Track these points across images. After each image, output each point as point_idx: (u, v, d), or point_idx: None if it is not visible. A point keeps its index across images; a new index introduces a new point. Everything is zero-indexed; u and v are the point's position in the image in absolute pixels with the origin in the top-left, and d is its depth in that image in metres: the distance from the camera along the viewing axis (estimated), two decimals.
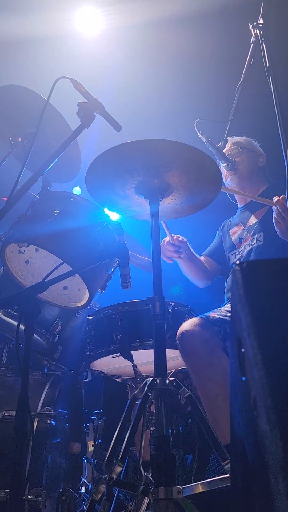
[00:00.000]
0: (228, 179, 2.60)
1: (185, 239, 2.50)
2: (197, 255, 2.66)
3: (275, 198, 2.00)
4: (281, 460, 0.48)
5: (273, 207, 2.01)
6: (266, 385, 0.55)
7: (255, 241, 2.38)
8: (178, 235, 2.48)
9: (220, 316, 2.02)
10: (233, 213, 2.78)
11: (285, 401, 0.54)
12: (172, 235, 2.43)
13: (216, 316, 2.03)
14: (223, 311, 2.10)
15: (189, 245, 2.54)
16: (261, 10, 1.93)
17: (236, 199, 2.73)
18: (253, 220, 2.49)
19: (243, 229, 2.53)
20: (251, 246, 2.39)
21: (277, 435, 0.50)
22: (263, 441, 0.54)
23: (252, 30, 1.95)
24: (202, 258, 2.70)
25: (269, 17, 1.93)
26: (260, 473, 0.59)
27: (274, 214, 2.02)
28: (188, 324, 1.97)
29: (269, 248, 2.29)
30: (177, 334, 1.97)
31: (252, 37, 1.97)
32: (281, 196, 1.98)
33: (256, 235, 2.39)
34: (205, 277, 2.68)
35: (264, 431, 0.53)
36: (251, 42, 1.99)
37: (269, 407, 0.53)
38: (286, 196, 1.62)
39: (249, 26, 1.95)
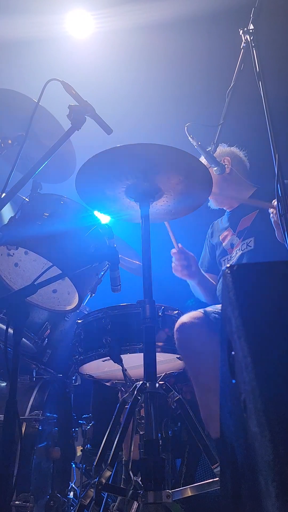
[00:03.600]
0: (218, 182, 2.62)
1: (193, 255, 2.50)
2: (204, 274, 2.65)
3: (274, 202, 1.99)
4: (270, 462, 0.48)
5: (271, 210, 2.00)
6: (256, 387, 0.55)
7: (245, 246, 2.39)
8: (187, 251, 2.48)
9: (217, 310, 2.04)
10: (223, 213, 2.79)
11: (275, 403, 0.54)
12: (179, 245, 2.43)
13: (213, 310, 2.05)
14: (218, 307, 2.11)
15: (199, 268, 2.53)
16: (251, 16, 1.94)
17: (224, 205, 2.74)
18: (243, 224, 2.50)
19: (233, 234, 2.54)
20: (241, 252, 2.40)
21: (267, 437, 0.50)
22: (253, 443, 0.54)
23: (242, 35, 1.96)
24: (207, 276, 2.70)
25: (259, 23, 1.94)
26: (250, 476, 0.59)
27: (273, 218, 2.00)
28: (187, 317, 2.00)
29: (259, 253, 2.30)
30: (176, 325, 1.99)
31: (243, 43, 1.98)
32: None
33: (246, 241, 2.40)
34: (216, 293, 2.65)
35: (253, 433, 0.53)
36: (241, 47, 2.00)
37: (258, 409, 0.53)
38: (276, 198, 1.62)
39: (239, 32, 1.96)
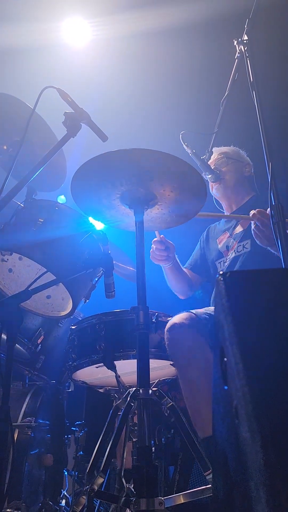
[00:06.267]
0: (213, 189, 2.65)
1: (173, 244, 2.52)
2: (182, 267, 2.69)
3: (251, 212, 2.04)
4: (261, 467, 0.48)
5: (252, 222, 2.05)
6: (248, 393, 0.56)
7: (241, 248, 2.41)
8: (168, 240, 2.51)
9: (208, 312, 2.05)
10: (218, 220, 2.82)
11: (266, 409, 0.55)
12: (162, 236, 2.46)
13: (204, 312, 2.07)
14: (210, 309, 2.12)
15: (176, 256, 2.56)
16: (245, 27, 1.97)
17: (223, 207, 2.76)
18: (239, 228, 2.52)
19: (229, 237, 2.56)
20: (237, 254, 2.42)
21: (258, 443, 0.51)
22: (244, 448, 0.54)
23: (236, 46, 1.99)
24: (185, 270, 2.73)
25: (253, 34, 1.97)
26: (241, 481, 0.59)
27: (252, 227, 2.05)
28: (178, 317, 2.01)
29: (255, 255, 2.32)
30: (167, 326, 2.00)
31: (237, 53, 2.01)
32: (256, 210, 2.02)
33: (242, 243, 2.42)
34: (188, 288, 2.72)
35: (245, 439, 0.54)
36: (235, 57, 2.03)
37: (250, 415, 0.54)
38: (270, 207, 1.64)
39: (234, 42, 1.99)
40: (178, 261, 2.63)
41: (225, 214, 2.67)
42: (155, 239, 2.46)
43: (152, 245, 2.47)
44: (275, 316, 0.67)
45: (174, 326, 1.97)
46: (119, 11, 3.44)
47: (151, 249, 2.48)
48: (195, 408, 1.84)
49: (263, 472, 0.48)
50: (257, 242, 2.07)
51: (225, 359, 0.70)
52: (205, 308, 2.17)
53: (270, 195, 1.61)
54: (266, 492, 0.46)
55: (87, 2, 3.46)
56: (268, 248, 2.06)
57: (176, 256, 2.58)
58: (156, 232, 2.35)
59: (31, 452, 2.05)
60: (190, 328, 1.95)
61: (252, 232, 2.06)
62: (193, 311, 2.08)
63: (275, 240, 1.57)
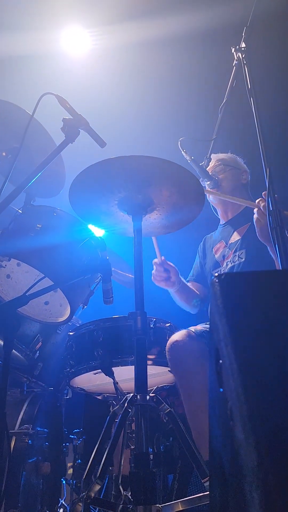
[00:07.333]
0: (211, 195, 2.65)
1: (175, 267, 2.51)
2: (187, 283, 2.66)
3: (258, 200, 2.02)
4: (255, 468, 0.48)
5: (255, 210, 2.02)
6: (242, 394, 0.55)
7: (236, 258, 2.41)
8: (170, 262, 2.50)
9: (206, 328, 2.05)
10: (215, 229, 2.81)
11: (260, 409, 0.54)
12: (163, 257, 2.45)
13: (203, 328, 2.06)
14: (208, 326, 2.11)
15: (181, 277, 2.55)
16: (243, 34, 1.99)
17: (219, 215, 2.76)
18: (235, 237, 2.52)
19: (225, 246, 2.56)
20: (232, 264, 2.42)
21: (252, 444, 0.50)
22: (239, 450, 0.54)
23: (234, 53, 2.01)
24: (189, 284, 2.71)
25: (250, 42, 1.99)
26: (237, 484, 0.58)
27: (255, 214, 2.02)
28: (178, 335, 2.01)
29: (250, 265, 2.32)
30: (167, 345, 1.99)
31: (235, 60, 2.03)
32: (264, 194, 1.98)
33: (237, 253, 2.42)
34: (200, 303, 2.69)
35: (239, 441, 0.53)
36: (233, 65, 2.05)
37: (244, 416, 0.53)
38: (267, 214, 1.64)
39: (231, 50, 2.01)
40: (185, 281, 2.62)
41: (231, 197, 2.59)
42: (155, 260, 2.46)
43: (154, 267, 2.47)
44: (270, 318, 0.67)
45: (174, 345, 1.97)
46: (118, 20, 3.47)
47: (152, 271, 2.48)
48: (198, 429, 1.80)
49: (256, 473, 0.48)
50: (257, 230, 2.01)
51: (220, 361, 0.69)
52: (202, 324, 2.17)
53: (268, 201, 1.62)
54: (259, 493, 0.46)
55: (87, 12, 3.49)
56: (268, 252, 2.05)
57: (181, 277, 2.57)
58: (153, 239, 2.34)
59: (29, 460, 2.03)
60: (190, 346, 1.95)
61: (254, 218, 2.02)
62: (192, 328, 2.09)
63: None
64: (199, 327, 2.10)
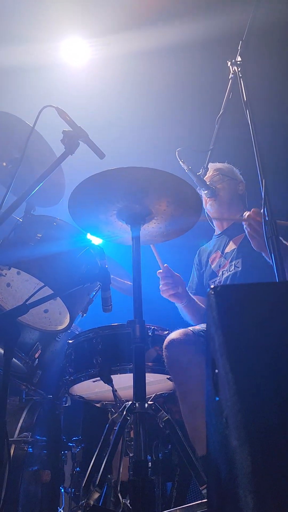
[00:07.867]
0: (208, 204, 2.67)
1: (180, 277, 2.50)
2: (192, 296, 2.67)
3: (246, 214, 2.04)
4: (249, 474, 0.50)
5: (244, 223, 2.05)
6: (237, 402, 0.58)
7: (232, 267, 2.43)
8: (173, 271, 2.50)
9: (204, 328, 2.07)
10: (210, 238, 2.83)
11: (255, 417, 0.56)
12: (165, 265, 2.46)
13: (201, 328, 2.08)
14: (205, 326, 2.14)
15: (186, 289, 2.55)
16: (239, 48, 2.03)
17: (215, 224, 2.79)
18: (231, 246, 2.54)
19: (221, 255, 2.58)
20: (228, 273, 2.44)
21: (246, 450, 0.52)
22: (234, 457, 0.56)
23: (230, 67, 2.05)
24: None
25: (246, 55, 2.03)
26: (233, 490, 0.61)
27: (247, 229, 2.04)
28: (175, 333, 2.02)
29: (246, 275, 2.34)
30: (164, 342, 2.00)
31: (231, 73, 2.07)
32: (251, 210, 2.00)
33: (233, 262, 2.44)
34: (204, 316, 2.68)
35: (234, 447, 0.55)
36: (229, 77, 2.09)
37: (239, 423, 0.55)
38: (263, 225, 1.66)
39: (227, 63, 2.05)
40: (191, 294, 2.61)
41: (221, 218, 2.64)
42: (159, 271, 2.46)
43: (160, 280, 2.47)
44: (264, 329, 0.69)
45: (171, 342, 1.98)
46: (117, 31, 3.53)
47: (160, 285, 2.47)
48: (193, 425, 1.83)
49: (250, 479, 0.50)
50: (253, 244, 2.04)
51: (216, 370, 0.72)
52: (201, 324, 2.18)
53: (264, 211, 1.65)
54: (253, 498, 0.48)
55: (86, 22, 3.55)
56: (263, 256, 2.06)
57: (187, 290, 2.57)
58: (152, 246, 2.36)
59: (30, 469, 2.04)
60: (187, 344, 1.96)
61: (247, 234, 2.03)
62: (190, 327, 2.09)
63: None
64: (198, 327, 2.11)
